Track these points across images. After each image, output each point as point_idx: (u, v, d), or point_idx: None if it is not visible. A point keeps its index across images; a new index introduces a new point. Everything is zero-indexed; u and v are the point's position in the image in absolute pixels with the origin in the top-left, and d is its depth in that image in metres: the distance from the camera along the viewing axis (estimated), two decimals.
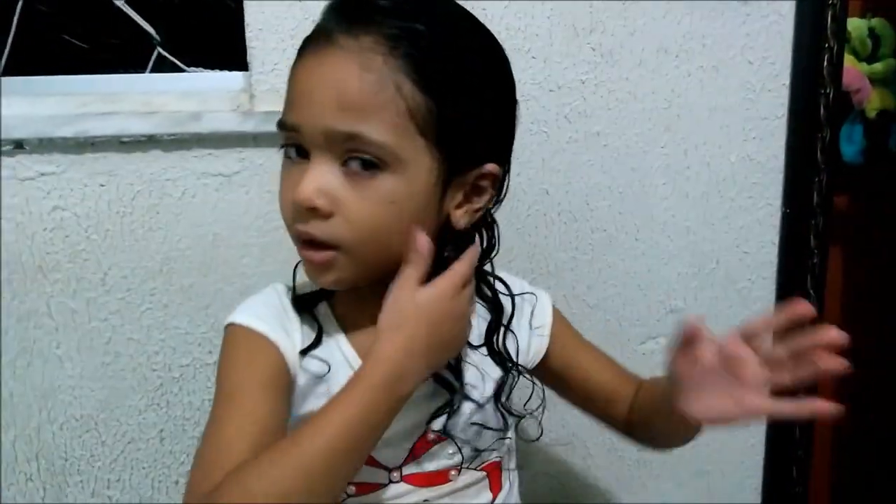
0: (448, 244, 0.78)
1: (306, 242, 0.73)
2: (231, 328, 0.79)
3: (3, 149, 1.13)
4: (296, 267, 0.82)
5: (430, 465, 0.82)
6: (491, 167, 0.76)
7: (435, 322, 0.72)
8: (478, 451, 0.84)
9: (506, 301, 0.88)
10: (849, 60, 1.40)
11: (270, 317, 0.79)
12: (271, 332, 0.77)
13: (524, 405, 0.91)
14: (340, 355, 0.80)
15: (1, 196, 1.14)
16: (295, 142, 0.73)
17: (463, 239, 0.79)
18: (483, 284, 0.87)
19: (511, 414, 0.87)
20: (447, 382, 0.80)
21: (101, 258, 1.17)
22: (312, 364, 0.79)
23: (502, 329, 0.86)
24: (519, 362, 0.88)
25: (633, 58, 1.26)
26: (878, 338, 1.56)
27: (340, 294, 0.83)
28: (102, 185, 1.16)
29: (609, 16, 1.23)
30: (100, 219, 1.16)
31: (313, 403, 0.78)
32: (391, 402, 0.69)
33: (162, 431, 1.24)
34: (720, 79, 1.29)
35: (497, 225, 0.84)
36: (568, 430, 1.37)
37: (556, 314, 0.95)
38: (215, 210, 1.19)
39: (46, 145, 1.13)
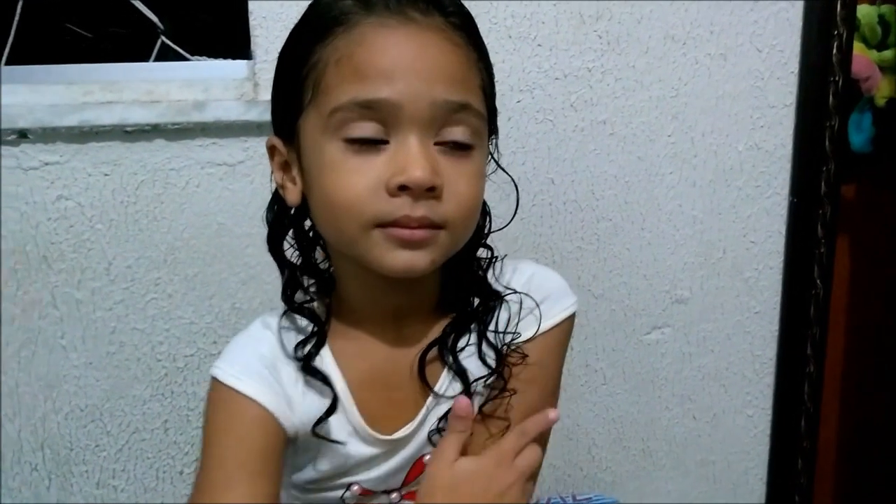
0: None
1: (412, 227, 0.66)
2: (220, 388, 0.72)
3: (8, 139, 1.12)
4: (284, 293, 0.77)
5: None
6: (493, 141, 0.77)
7: (472, 495, 0.70)
8: None
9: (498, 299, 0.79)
10: (858, 48, 1.39)
11: (265, 376, 0.72)
12: (266, 397, 0.71)
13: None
14: (347, 422, 0.75)
15: (0, 185, 1.13)
16: (373, 122, 0.65)
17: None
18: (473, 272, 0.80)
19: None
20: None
21: (105, 248, 1.17)
22: (327, 429, 0.74)
23: (467, 335, 0.77)
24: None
25: (639, 46, 1.25)
26: (885, 327, 1.55)
27: (341, 317, 0.77)
28: (106, 175, 1.15)
29: (616, 3, 1.22)
30: (104, 208, 1.16)
31: (325, 459, 0.76)
32: None
33: (166, 422, 1.24)
34: (728, 66, 1.28)
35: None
36: (572, 422, 1.37)
37: (545, 345, 0.78)
38: (219, 199, 1.18)
39: (50, 135, 1.13)
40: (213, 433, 0.72)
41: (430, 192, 0.65)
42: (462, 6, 0.70)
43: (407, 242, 0.66)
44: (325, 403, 0.73)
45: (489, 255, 0.80)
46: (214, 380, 0.73)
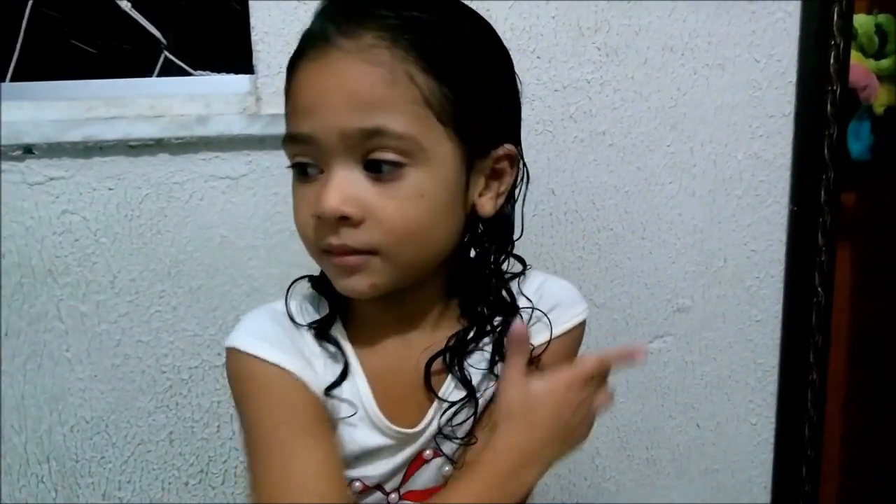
0: (482, 236, 0.77)
1: (339, 254, 0.69)
2: (244, 359, 0.71)
3: (13, 154, 1.13)
4: (289, 288, 0.78)
5: (426, 481, 0.80)
6: (508, 147, 0.74)
7: (553, 413, 0.71)
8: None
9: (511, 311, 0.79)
10: (855, 57, 1.39)
11: (287, 344, 0.73)
12: (294, 366, 0.71)
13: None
14: (358, 396, 0.75)
15: (7, 200, 1.14)
16: (306, 155, 0.68)
17: (495, 228, 0.77)
18: (492, 285, 0.80)
19: (452, 439, 0.78)
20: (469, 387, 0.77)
21: (110, 261, 1.18)
22: (338, 405, 0.74)
23: (473, 347, 0.77)
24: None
25: (638, 57, 1.26)
26: (886, 334, 1.55)
27: (355, 312, 0.77)
28: (111, 189, 1.16)
29: (614, 15, 1.23)
30: (108, 222, 1.17)
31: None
32: (514, 488, 0.69)
33: (171, 433, 1.25)
34: (726, 76, 1.29)
35: (514, 210, 0.80)
36: None
37: (556, 352, 0.78)
38: (222, 213, 1.19)
39: (55, 150, 1.14)
40: (253, 407, 0.72)
41: (345, 220, 0.66)
42: (403, 16, 0.67)
43: (343, 269, 0.69)
44: (351, 394, 0.74)
45: (510, 266, 0.80)
46: (235, 351, 0.72)
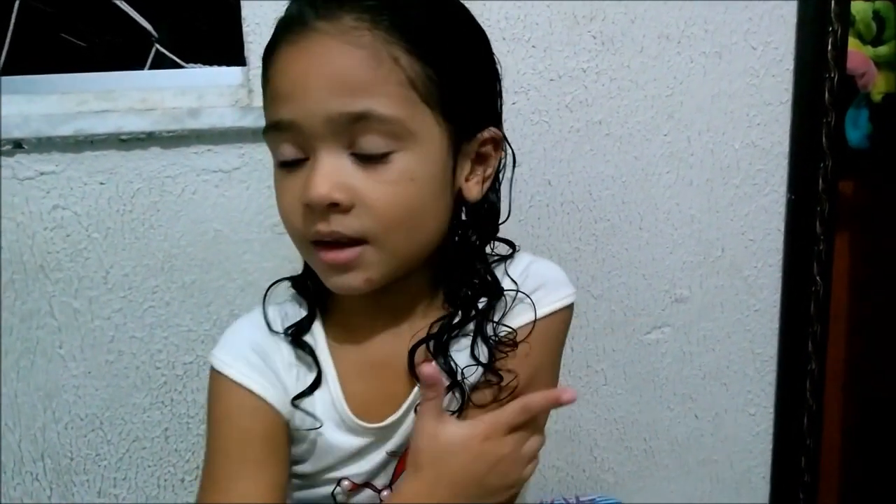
0: (467, 221, 0.75)
1: (329, 245, 0.67)
2: (216, 377, 0.73)
3: (3, 149, 1.13)
4: (266, 292, 0.78)
5: None
6: (493, 131, 0.73)
7: (465, 467, 0.69)
8: None
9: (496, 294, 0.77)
10: (853, 44, 1.38)
11: (258, 363, 0.73)
12: (261, 386, 0.72)
13: None
14: (330, 401, 0.74)
15: (0, 195, 1.13)
16: (289, 143, 0.67)
17: (481, 213, 0.76)
18: (476, 269, 0.77)
19: None
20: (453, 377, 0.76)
21: (102, 256, 1.17)
22: (304, 419, 0.74)
23: (458, 332, 0.75)
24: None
25: (634, 45, 1.25)
26: (885, 323, 1.55)
27: (337, 308, 0.77)
28: (102, 184, 1.16)
29: (609, 3, 1.22)
30: (100, 217, 1.16)
31: (298, 448, 0.76)
32: None
33: (167, 430, 1.24)
34: (723, 65, 1.28)
35: (500, 195, 0.79)
36: (574, 423, 1.37)
37: (540, 334, 0.75)
38: (215, 206, 1.18)
39: (45, 144, 1.13)
40: (213, 424, 0.73)
41: (335, 207, 0.65)
42: None
43: (335, 267, 0.68)
44: (322, 407, 0.74)
45: (493, 250, 0.79)
46: (211, 368, 0.74)
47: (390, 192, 0.66)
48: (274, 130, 0.67)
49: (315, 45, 0.64)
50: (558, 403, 0.72)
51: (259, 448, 0.71)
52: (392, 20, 0.65)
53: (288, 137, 0.66)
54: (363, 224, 0.66)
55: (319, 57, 0.64)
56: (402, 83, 0.65)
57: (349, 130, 0.64)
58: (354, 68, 0.64)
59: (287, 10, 0.69)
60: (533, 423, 0.73)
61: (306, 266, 0.77)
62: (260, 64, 1.11)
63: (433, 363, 0.70)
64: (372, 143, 0.65)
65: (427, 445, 0.69)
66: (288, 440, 0.74)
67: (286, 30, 0.67)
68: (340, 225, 0.66)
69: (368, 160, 0.65)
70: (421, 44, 0.66)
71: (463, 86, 0.69)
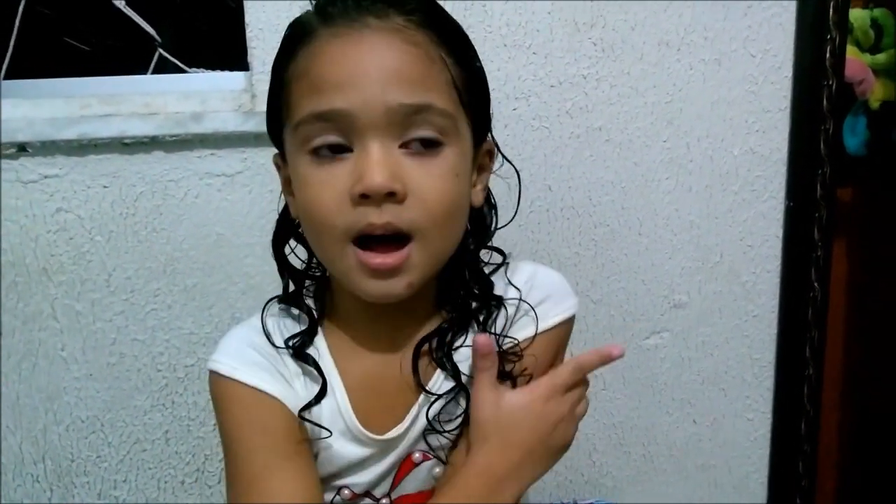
0: (469, 228, 0.76)
1: (371, 248, 0.66)
2: (223, 382, 0.72)
3: (7, 152, 1.13)
4: (264, 308, 0.77)
5: (417, 485, 0.79)
6: (490, 142, 0.76)
7: (531, 430, 0.70)
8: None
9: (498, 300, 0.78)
10: (851, 51, 1.39)
11: (265, 365, 0.72)
12: (272, 387, 0.71)
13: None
14: (337, 411, 0.74)
15: (1, 198, 1.14)
16: (334, 133, 0.65)
17: (478, 220, 0.77)
18: (476, 275, 0.78)
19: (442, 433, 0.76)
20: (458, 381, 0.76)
21: (105, 259, 1.18)
22: (312, 428, 0.73)
23: (463, 336, 0.76)
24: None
25: (634, 52, 1.25)
26: (883, 329, 1.56)
27: (338, 320, 0.77)
28: (105, 187, 1.16)
29: (610, 10, 1.23)
30: (103, 220, 1.17)
31: (318, 459, 0.75)
32: None
33: (167, 432, 1.25)
34: (722, 72, 1.29)
35: (493, 203, 0.81)
36: None
37: (543, 345, 0.76)
38: (218, 210, 1.19)
39: (49, 148, 1.14)
40: (232, 430, 0.72)
41: (391, 197, 0.64)
42: (420, 3, 0.68)
43: (380, 272, 0.66)
44: (328, 415, 0.73)
45: (491, 258, 0.79)
46: (215, 374, 0.73)
47: (439, 184, 0.66)
48: (318, 121, 0.65)
49: (369, 39, 0.65)
50: (609, 359, 0.74)
51: (283, 444, 0.71)
52: (436, 24, 0.67)
53: (334, 127, 0.65)
54: (413, 216, 0.66)
55: (377, 50, 0.65)
56: (449, 83, 0.67)
57: (404, 123, 0.65)
58: (412, 63, 0.65)
59: (320, 6, 0.69)
60: (584, 384, 0.75)
61: (296, 280, 0.78)
62: (263, 69, 1.14)
63: (486, 334, 0.71)
64: (426, 136, 0.66)
65: (491, 415, 0.70)
66: (308, 436, 0.73)
67: (326, 23, 0.67)
68: (394, 216, 0.65)
69: (420, 152, 0.66)
70: (458, 49, 0.69)
71: (481, 94, 0.72)
